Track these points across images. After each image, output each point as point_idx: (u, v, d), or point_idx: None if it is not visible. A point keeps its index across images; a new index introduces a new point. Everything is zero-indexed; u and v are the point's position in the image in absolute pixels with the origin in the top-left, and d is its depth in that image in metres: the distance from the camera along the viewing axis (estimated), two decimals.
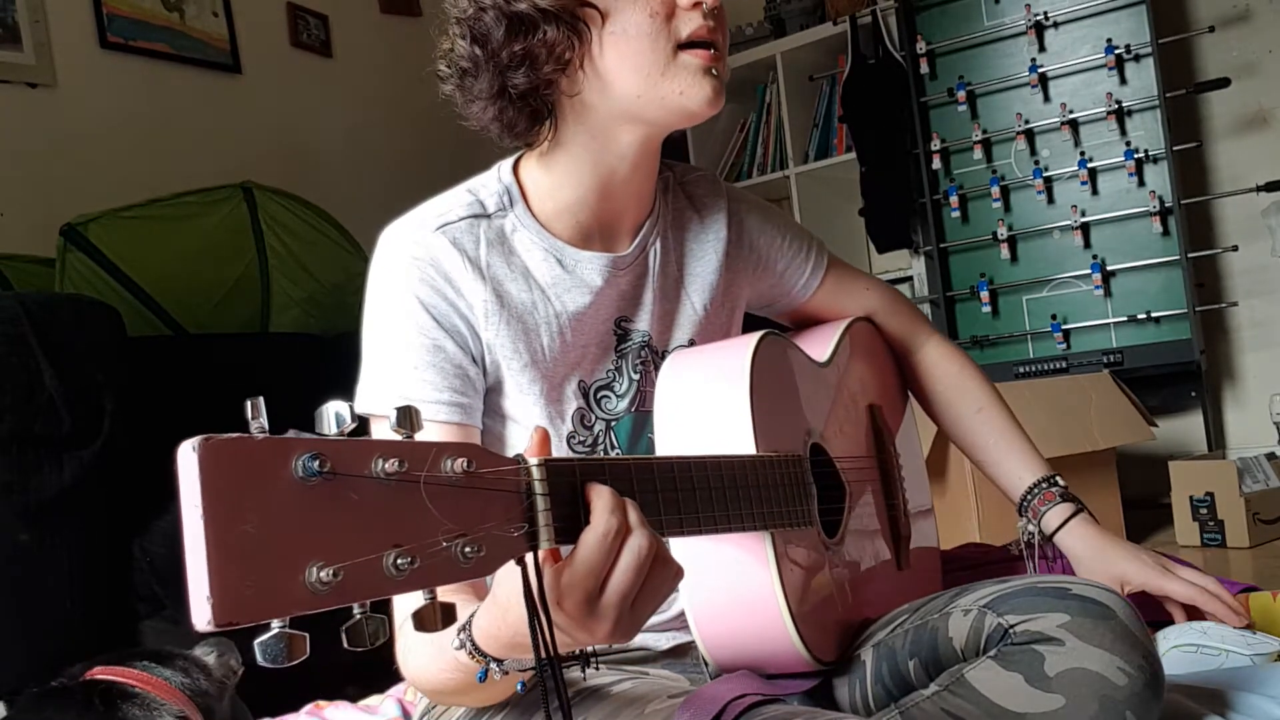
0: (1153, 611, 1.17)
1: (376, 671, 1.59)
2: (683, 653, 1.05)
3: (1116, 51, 3.00)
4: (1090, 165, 3.06)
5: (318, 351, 2.28)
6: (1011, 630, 0.89)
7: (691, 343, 1.08)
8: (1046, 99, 3.13)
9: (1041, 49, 3.14)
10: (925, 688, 0.93)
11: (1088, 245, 3.09)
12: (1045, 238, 3.16)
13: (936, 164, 3.30)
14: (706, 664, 1.00)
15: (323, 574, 0.49)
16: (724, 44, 0.97)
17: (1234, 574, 2.24)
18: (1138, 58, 3.00)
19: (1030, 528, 1.21)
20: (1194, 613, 1.16)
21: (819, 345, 1.17)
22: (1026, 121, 3.14)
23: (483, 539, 0.57)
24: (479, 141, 1.06)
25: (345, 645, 0.52)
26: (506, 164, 1.05)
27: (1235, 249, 3.07)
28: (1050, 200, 3.14)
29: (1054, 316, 3.14)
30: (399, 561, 0.52)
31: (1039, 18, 3.11)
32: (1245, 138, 3.17)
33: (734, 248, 1.14)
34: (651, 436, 0.96)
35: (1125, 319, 3.04)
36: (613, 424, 1.03)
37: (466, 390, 0.95)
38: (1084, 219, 3.07)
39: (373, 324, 0.97)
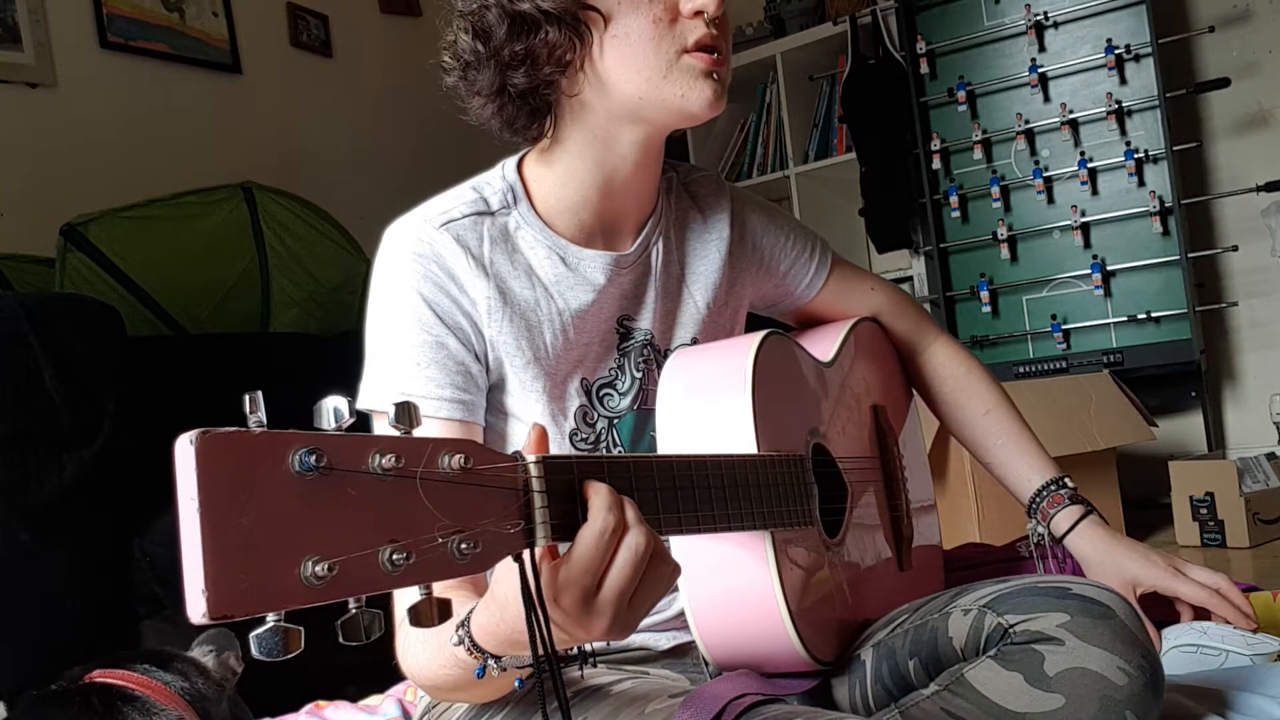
0: (1162, 611, 1.17)
1: (376, 671, 1.59)
2: (683, 652, 1.05)
3: (1116, 51, 3.00)
4: (1090, 165, 3.06)
5: (318, 351, 2.28)
6: (1011, 630, 0.89)
7: (694, 341, 1.08)
8: (1046, 99, 3.13)
9: (1041, 49, 3.14)
10: (925, 687, 0.93)
11: (1088, 245, 3.09)
12: (1045, 238, 3.16)
13: (936, 164, 3.30)
14: (706, 663, 1.00)
15: (318, 568, 0.49)
16: (727, 50, 0.97)
17: (1234, 574, 2.23)
18: (1138, 58, 3.00)
19: (1040, 530, 1.21)
20: (1202, 612, 1.16)
21: (823, 345, 1.17)
22: (1026, 121, 3.14)
23: (479, 535, 0.57)
24: (480, 141, 1.06)
25: (340, 639, 0.52)
26: (510, 162, 1.05)
27: (1235, 249, 3.06)
28: (1050, 200, 3.14)
29: (1054, 316, 3.14)
30: (395, 557, 0.52)
31: (1039, 18, 3.11)
32: (1245, 138, 3.17)
33: (737, 247, 1.14)
34: (654, 435, 0.96)
35: (1125, 319, 3.04)
36: (615, 422, 1.03)
37: (469, 387, 0.95)
38: (1084, 219, 3.07)
39: (376, 320, 0.97)
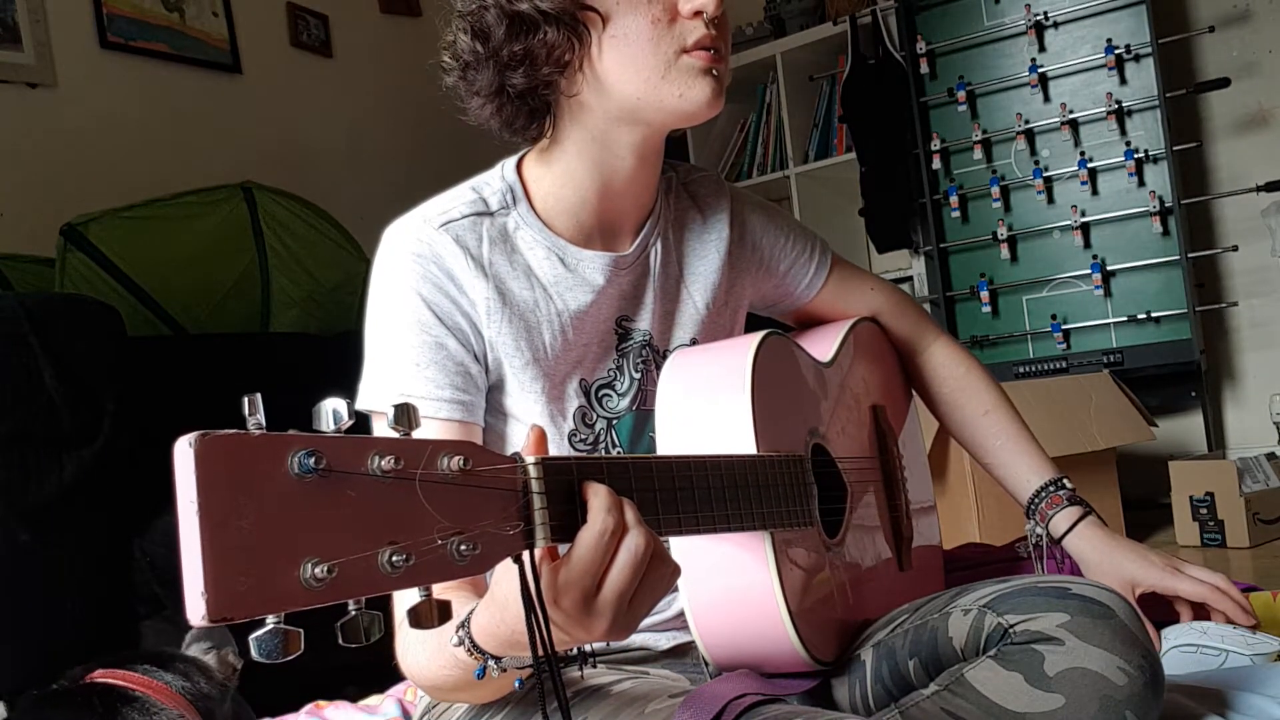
0: (1162, 611, 1.17)
1: (376, 671, 1.59)
2: (683, 652, 1.05)
3: (1116, 51, 3.00)
4: (1090, 165, 3.06)
5: (318, 351, 2.28)
6: (1011, 630, 0.89)
7: (693, 342, 1.08)
8: (1046, 99, 3.13)
9: (1041, 49, 3.14)
10: (925, 687, 0.93)
11: (1088, 245, 3.09)
12: (1045, 238, 3.16)
13: (936, 164, 3.30)
14: (706, 663, 1.00)
15: (317, 570, 0.49)
16: (726, 49, 0.97)
17: (1234, 574, 2.23)
18: (1138, 58, 3.00)
19: (1038, 530, 1.21)
20: (1201, 612, 1.16)
21: (822, 345, 1.17)
22: (1026, 121, 3.14)
23: (478, 537, 0.57)
24: (480, 141, 1.06)
25: (340, 642, 0.52)
26: (510, 162, 1.05)
27: (1235, 249, 3.06)
28: (1050, 200, 3.14)
29: (1054, 316, 3.14)
30: (394, 559, 0.52)
31: (1039, 18, 3.11)
32: (1245, 138, 3.17)
33: (736, 247, 1.14)
34: (653, 435, 0.96)
35: (1125, 319, 3.04)
36: (614, 422, 1.03)
37: (468, 388, 0.95)
38: (1084, 219, 3.07)
39: (375, 321, 0.97)
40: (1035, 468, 1.23)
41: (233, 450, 0.48)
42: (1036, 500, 1.21)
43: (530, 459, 0.64)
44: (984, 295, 3.22)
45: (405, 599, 0.77)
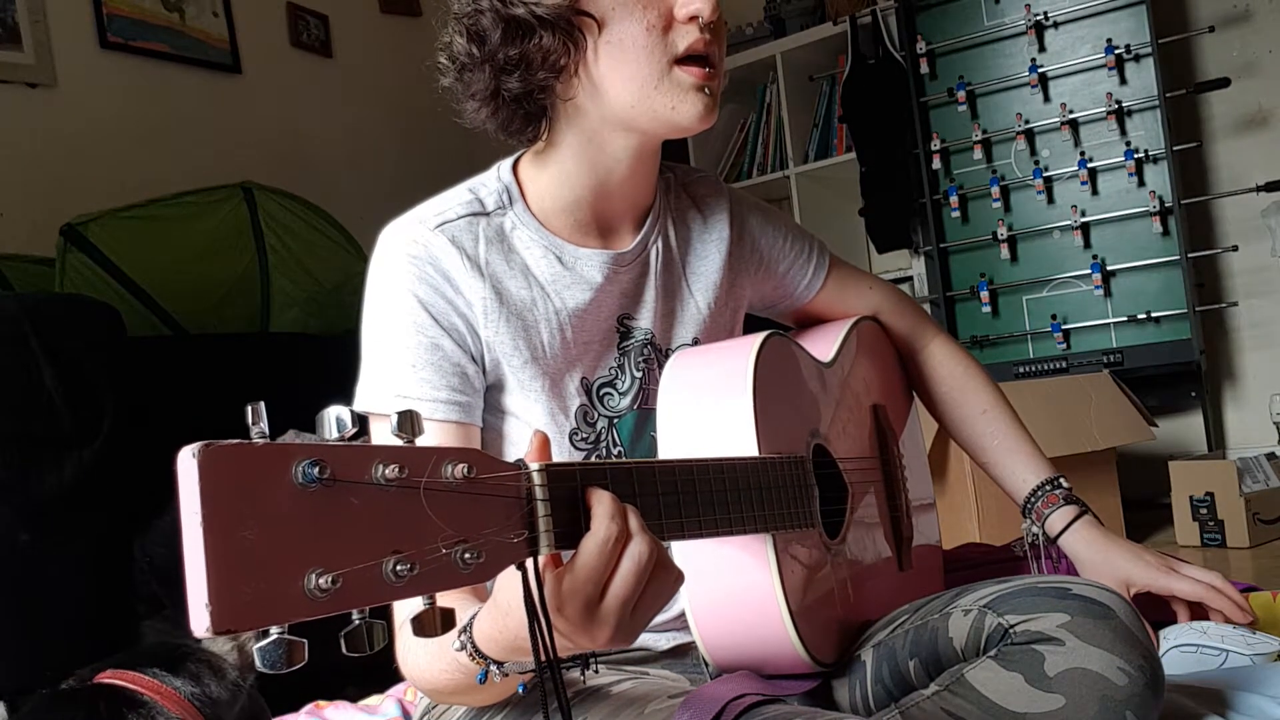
0: (1158, 611, 1.17)
1: (376, 671, 1.59)
2: (683, 653, 1.05)
3: (1116, 51, 3.00)
4: (1090, 165, 3.06)
5: (318, 351, 2.28)
6: (1011, 630, 0.89)
7: (696, 341, 1.08)
8: (1046, 99, 3.13)
9: (1041, 49, 3.13)
10: (925, 688, 0.93)
11: (1088, 245, 3.09)
12: (1045, 238, 3.16)
13: (936, 164, 3.30)
14: (706, 664, 1.00)
15: (322, 581, 0.49)
16: (720, 59, 0.97)
17: (1234, 574, 2.23)
18: (1138, 58, 3.00)
19: (1035, 530, 1.21)
20: (1198, 612, 1.16)
21: (823, 345, 1.17)
22: (1026, 121, 3.14)
23: (482, 545, 0.57)
24: (479, 141, 1.06)
25: (344, 651, 0.52)
26: (506, 163, 1.05)
27: (1235, 249, 3.06)
28: (1050, 200, 3.14)
29: (1054, 316, 3.14)
30: (398, 568, 0.52)
31: (1039, 18, 3.11)
32: (1245, 138, 3.17)
33: (736, 248, 1.14)
34: (654, 435, 0.96)
35: (1125, 319, 3.04)
36: (615, 421, 1.03)
37: (465, 389, 0.95)
38: (1084, 219, 3.07)
39: (372, 322, 0.97)
40: (1032, 467, 1.23)
41: (236, 460, 0.48)
42: (1033, 499, 1.21)
43: (534, 465, 0.64)
44: (984, 295, 3.22)
45: (407, 603, 0.77)
